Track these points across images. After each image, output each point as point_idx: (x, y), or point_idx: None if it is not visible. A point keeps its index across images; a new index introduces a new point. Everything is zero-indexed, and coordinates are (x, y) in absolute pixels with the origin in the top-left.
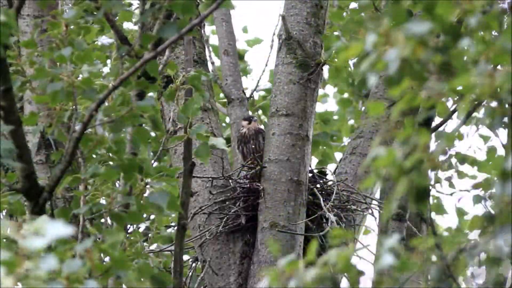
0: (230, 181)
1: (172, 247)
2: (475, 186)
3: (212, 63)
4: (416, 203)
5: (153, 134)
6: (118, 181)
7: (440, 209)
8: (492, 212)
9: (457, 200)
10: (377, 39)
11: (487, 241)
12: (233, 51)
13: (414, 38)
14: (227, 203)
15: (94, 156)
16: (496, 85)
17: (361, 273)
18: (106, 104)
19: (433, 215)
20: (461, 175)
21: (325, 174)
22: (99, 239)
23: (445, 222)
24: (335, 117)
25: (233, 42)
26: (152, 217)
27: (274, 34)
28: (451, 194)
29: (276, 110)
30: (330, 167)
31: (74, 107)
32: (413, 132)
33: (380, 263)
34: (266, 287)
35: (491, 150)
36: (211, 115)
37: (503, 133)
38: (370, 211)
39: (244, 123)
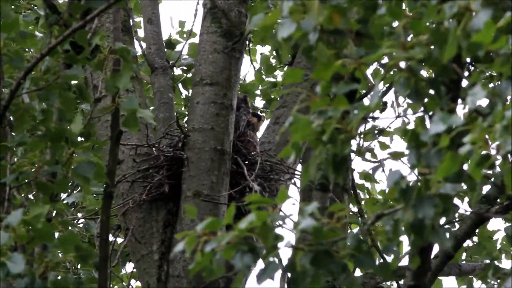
0: (154, 149)
1: (96, 216)
2: (393, 156)
3: (135, 31)
4: (335, 173)
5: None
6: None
7: (369, 178)
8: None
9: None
10: (293, 6)
11: (405, 209)
12: (156, 19)
13: (331, 6)
14: (150, 171)
15: (21, 125)
16: (410, 55)
17: (279, 238)
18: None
19: (367, 184)
20: (382, 146)
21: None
22: (25, 207)
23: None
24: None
25: (157, 10)
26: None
27: (198, 3)
28: (379, 162)
29: (201, 79)
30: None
31: (1, 75)
32: (330, 101)
33: (299, 227)
34: (180, 251)
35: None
36: (136, 84)
37: None
38: (293, 181)
39: (254, 119)
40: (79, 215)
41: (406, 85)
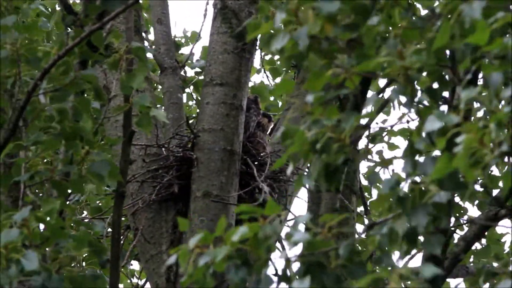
0: (163, 149)
1: (104, 216)
2: (385, 163)
3: (145, 31)
4: (327, 182)
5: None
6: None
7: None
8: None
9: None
10: (286, 17)
11: (398, 218)
12: (166, 19)
13: (324, 16)
14: (160, 171)
15: (37, 123)
16: (406, 64)
17: (272, 249)
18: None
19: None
20: (391, 147)
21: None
22: (39, 206)
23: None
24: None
25: (166, 10)
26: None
27: (207, 3)
28: (382, 165)
29: (211, 80)
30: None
31: (18, 74)
32: (323, 111)
33: (291, 240)
34: (172, 263)
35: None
36: (146, 84)
37: None
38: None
39: (264, 119)
40: (85, 212)
41: (402, 93)
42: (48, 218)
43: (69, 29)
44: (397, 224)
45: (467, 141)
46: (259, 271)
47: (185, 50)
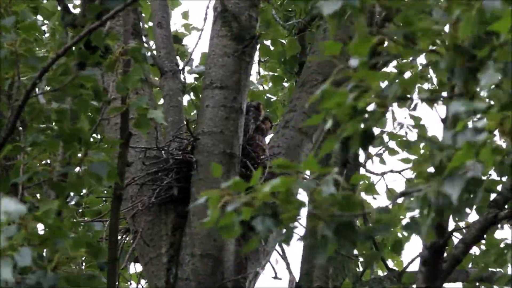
0: (163, 152)
1: (104, 218)
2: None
3: (146, 35)
4: (361, 146)
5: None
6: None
7: (371, 190)
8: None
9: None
10: None
11: (433, 188)
12: (166, 23)
13: None
14: (159, 174)
15: (34, 125)
16: (457, 34)
17: (303, 205)
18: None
19: (363, 195)
20: (391, 152)
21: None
22: (36, 207)
23: (376, 204)
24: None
25: (167, 14)
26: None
27: (208, 7)
28: (382, 175)
29: (211, 83)
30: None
31: (17, 75)
32: (366, 74)
33: (321, 194)
34: (202, 203)
35: (422, 128)
36: (145, 87)
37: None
38: None
39: (268, 124)
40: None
41: (450, 64)
42: (46, 218)
43: (68, 29)
44: (430, 191)
45: (488, 128)
46: (286, 225)
47: (186, 41)
